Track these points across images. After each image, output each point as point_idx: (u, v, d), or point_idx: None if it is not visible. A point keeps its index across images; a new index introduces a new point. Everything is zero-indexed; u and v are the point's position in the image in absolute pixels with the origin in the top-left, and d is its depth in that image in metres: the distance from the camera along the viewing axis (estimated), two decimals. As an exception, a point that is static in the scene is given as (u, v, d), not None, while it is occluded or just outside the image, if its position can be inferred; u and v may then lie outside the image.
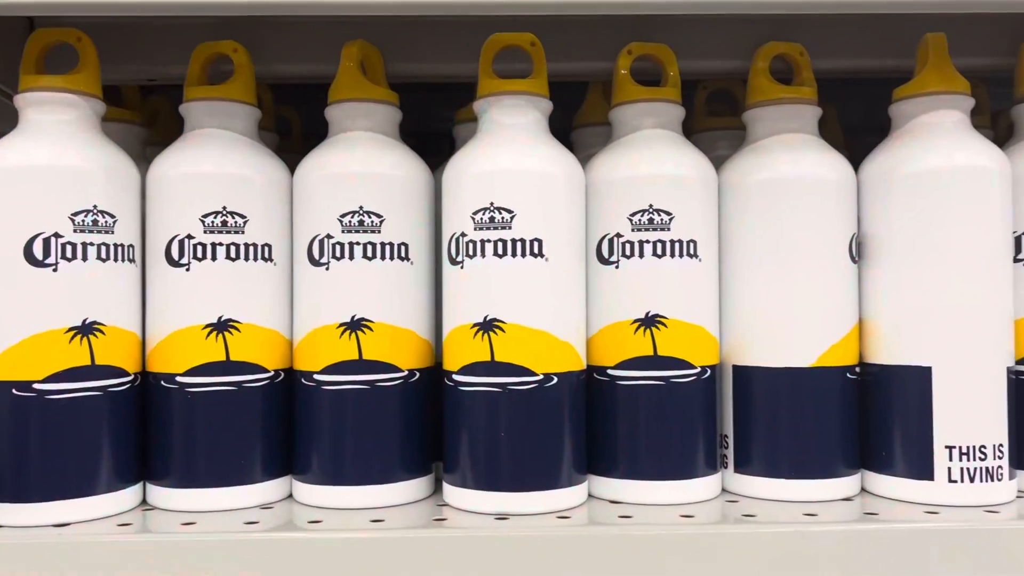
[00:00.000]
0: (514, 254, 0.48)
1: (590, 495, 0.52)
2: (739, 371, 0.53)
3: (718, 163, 0.55)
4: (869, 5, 0.53)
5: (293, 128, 0.72)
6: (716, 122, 0.65)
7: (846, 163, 0.53)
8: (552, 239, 0.49)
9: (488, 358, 0.48)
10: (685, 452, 0.51)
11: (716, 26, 0.61)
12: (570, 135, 0.66)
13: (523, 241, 0.48)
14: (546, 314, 0.49)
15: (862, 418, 0.53)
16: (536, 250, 0.48)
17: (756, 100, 0.55)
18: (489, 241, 0.48)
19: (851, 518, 0.48)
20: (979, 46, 0.61)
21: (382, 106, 0.53)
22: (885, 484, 0.52)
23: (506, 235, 0.48)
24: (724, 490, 0.54)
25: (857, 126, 0.72)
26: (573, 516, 0.48)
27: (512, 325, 0.48)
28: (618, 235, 0.51)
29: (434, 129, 0.71)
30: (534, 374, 0.48)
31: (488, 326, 0.48)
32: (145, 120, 0.65)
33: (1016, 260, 0.53)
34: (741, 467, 0.53)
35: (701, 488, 0.52)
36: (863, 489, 0.53)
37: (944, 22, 0.58)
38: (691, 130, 0.66)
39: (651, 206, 0.51)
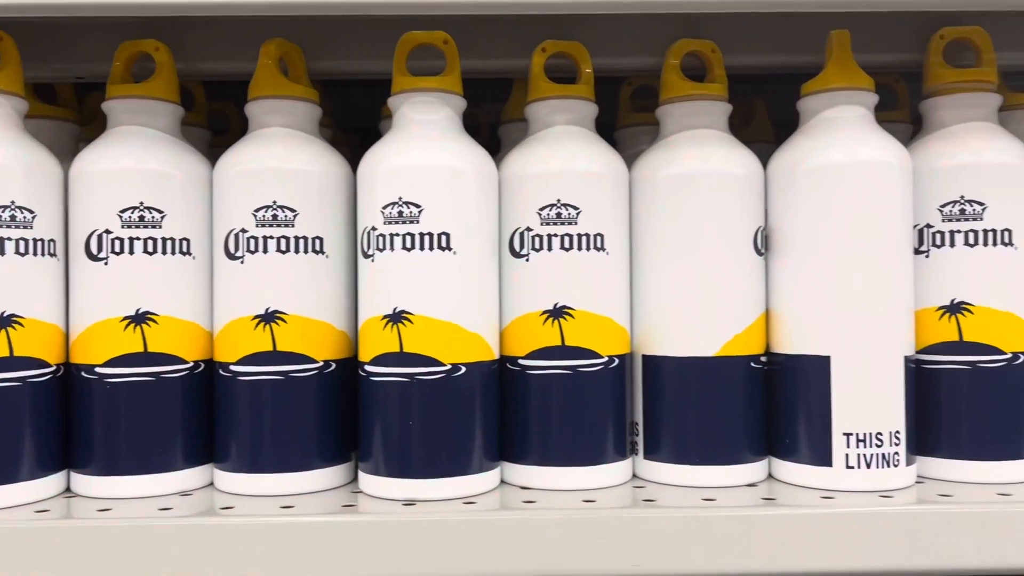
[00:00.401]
0: (422, 247, 0.50)
1: (503, 481, 0.54)
2: (648, 360, 0.54)
3: (640, 158, 0.56)
4: (778, 4, 0.54)
5: (232, 124, 0.73)
6: (640, 118, 0.66)
7: (753, 158, 0.55)
8: (461, 233, 0.50)
9: (397, 349, 0.50)
10: (593, 439, 0.52)
11: (640, 23, 0.62)
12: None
13: (431, 235, 0.50)
14: (453, 306, 0.50)
15: (769, 406, 0.54)
16: (444, 243, 0.50)
17: (667, 97, 0.56)
18: (398, 235, 0.50)
19: (748, 503, 0.49)
20: (899, 42, 0.62)
21: (300, 103, 0.54)
22: (789, 471, 0.53)
23: (414, 229, 0.50)
24: (635, 476, 0.55)
25: (793, 122, 0.73)
26: (479, 501, 0.50)
27: (420, 317, 0.50)
28: (528, 229, 0.52)
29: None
30: (442, 364, 0.50)
31: (397, 318, 0.50)
32: (82, 118, 0.66)
33: (917, 252, 0.54)
34: (651, 454, 0.54)
35: (610, 474, 0.53)
36: (770, 475, 0.55)
37: (864, 18, 0.59)
38: (616, 125, 0.68)
39: (559, 201, 0.52)
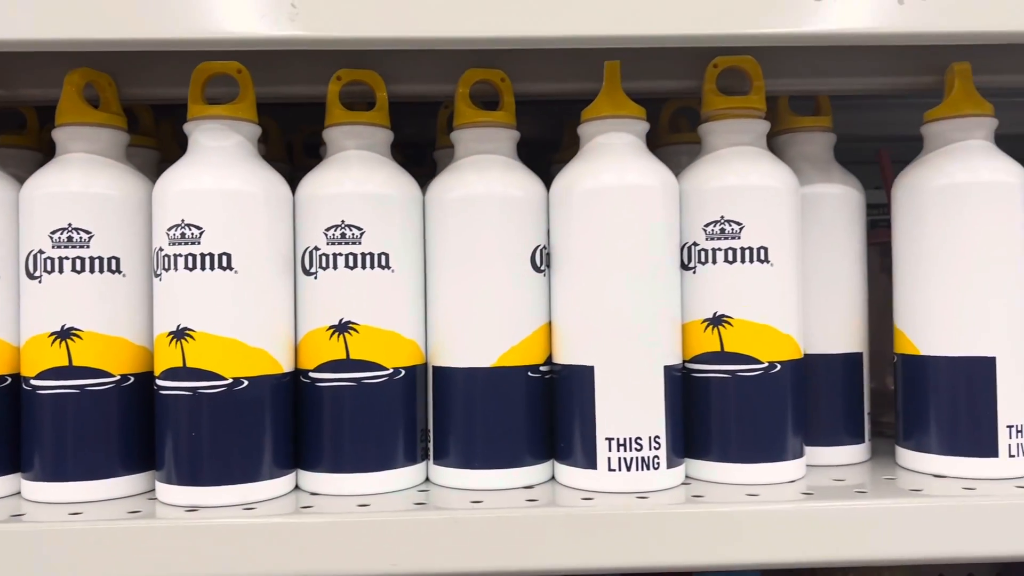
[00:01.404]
0: (203, 267, 0.53)
1: (298, 487, 0.57)
2: (436, 371, 0.57)
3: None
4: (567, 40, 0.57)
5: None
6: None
7: (537, 181, 0.58)
8: (243, 253, 0.53)
9: (181, 364, 0.53)
10: (378, 446, 0.56)
11: (446, 53, 0.64)
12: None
13: (211, 255, 0.53)
14: (234, 322, 0.53)
15: (553, 413, 0.58)
16: (225, 263, 0.53)
17: (459, 123, 0.59)
18: (181, 255, 0.53)
19: (513, 505, 0.53)
20: (692, 69, 0.65)
21: (104, 129, 0.57)
22: (566, 473, 0.57)
23: (195, 250, 0.53)
24: (428, 480, 0.58)
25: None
26: (259, 507, 0.53)
27: (201, 333, 0.53)
28: (316, 248, 0.56)
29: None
30: (223, 378, 0.53)
31: (180, 334, 0.53)
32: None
33: (686, 268, 0.58)
34: (439, 459, 0.58)
35: (398, 479, 0.56)
36: (553, 478, 0.58)
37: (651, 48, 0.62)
38: (436, 147, 0.71)
39: (343, 221, 0.55)
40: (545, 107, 0.71)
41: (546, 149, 0.80)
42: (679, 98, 0.71)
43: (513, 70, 0.61)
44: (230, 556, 0.50)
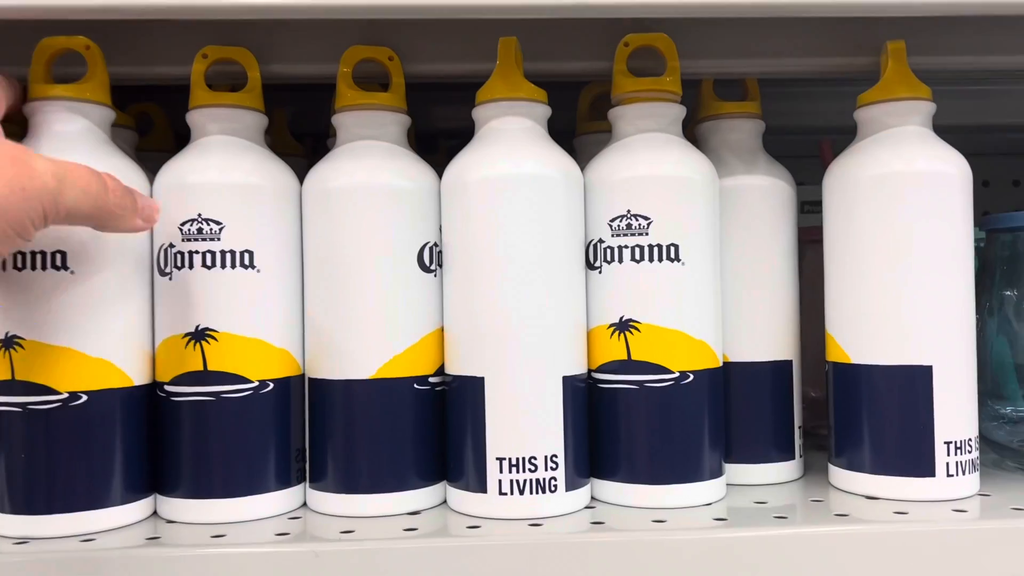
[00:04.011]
0: (33, 267, 0.46)
1: (156, 514, 0.51)
2: (312, 384, 0.51)
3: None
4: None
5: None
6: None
7: (427, 171, 0.52)
8: (79, 251, 0.47)
9: (10, 377, 0.46)
10: (245, 468, 0.49)
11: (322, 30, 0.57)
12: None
13: (43, 253, 0.46)
14: (69, 329, 0.47)
15: (445, 429, 0.52)
16: (59, 263, 0.47)
17: (339, 106, 0.53)
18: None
19: (388, 535, 0.47)
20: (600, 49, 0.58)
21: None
22: (456, 498, 0.51)
23: (24, 247, 0.46)
24: (305, 505, 0.52)
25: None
26: (99, 539, 0.46)
27: (31, 342, 0.46)
28: (171, 245, 0.49)
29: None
30: (57, 392, 0.46)
31: (8, 343, 0.46)
32: None
33: (593, 268, 0.52)
34: (315, 482, 0.51)
35: (267, 505, 0.50)
36: (445, 503, 0.52)
37: (562, 24, 0.56)
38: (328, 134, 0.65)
39: (200, 215, 0.49)
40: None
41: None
42: (602, 81, 0.65)
43: (408, 49, 0.55)
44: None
